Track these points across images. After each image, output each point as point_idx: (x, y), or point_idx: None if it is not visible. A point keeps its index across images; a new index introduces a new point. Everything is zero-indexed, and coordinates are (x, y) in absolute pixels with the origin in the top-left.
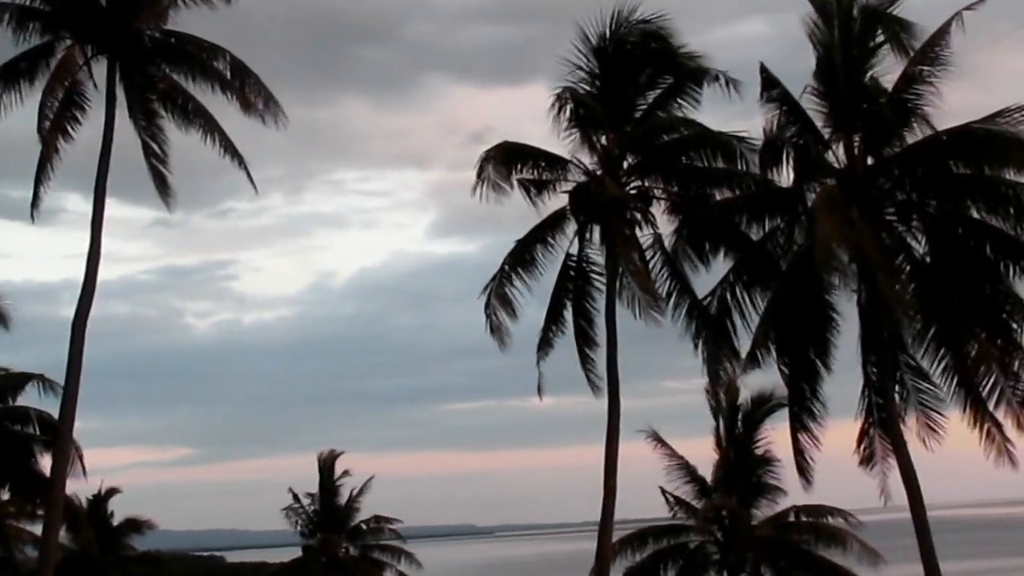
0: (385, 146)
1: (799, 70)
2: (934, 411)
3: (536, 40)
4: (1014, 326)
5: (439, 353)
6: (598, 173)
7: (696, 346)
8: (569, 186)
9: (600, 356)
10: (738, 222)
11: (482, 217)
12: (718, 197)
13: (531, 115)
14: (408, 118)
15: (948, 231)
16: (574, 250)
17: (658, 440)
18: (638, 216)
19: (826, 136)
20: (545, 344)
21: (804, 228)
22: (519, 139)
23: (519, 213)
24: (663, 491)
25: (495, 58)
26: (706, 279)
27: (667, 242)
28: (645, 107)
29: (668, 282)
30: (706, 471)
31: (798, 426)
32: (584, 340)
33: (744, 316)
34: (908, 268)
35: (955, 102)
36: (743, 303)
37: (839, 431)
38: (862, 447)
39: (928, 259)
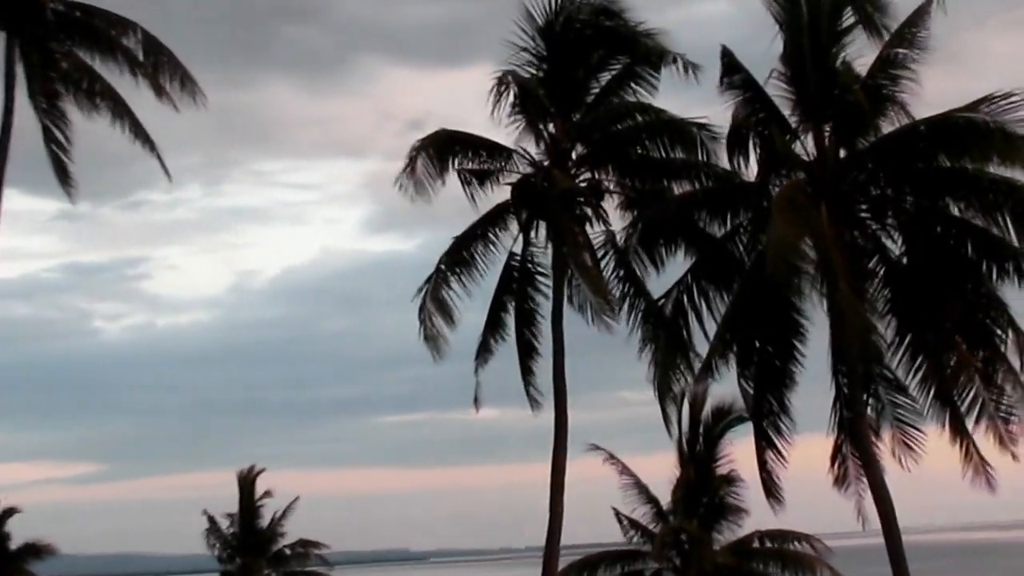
0: (315, 133)
1: (764, 54)
2: (911, 426)
3: (480, 18)
4: (998, 334)
5: (372, 361)
6: (545, 164)
7: (648, 353)
8: (513, 178)
9: (543, 366)
10: (698, 218)
11: (421, 212)
12: (676, 191)
13: (475, 100)
14: (340, 103)
15: (926, 229)
16: (518, 249)
17: (610, 457)
18: (588, 211)
19: (794, 125)
20: (484, 351)
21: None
22: (462, 126)
23: (462, 207)
24: (617, 513)
25: (436, 38)
26: (662, 280)
27: (620, 240)
28: (597, 92)
29: (621, 284)
30: (665, 491)
31: (764, 442)
32: (525, 348)
33: (702, 321)
34: (882, 270)
35: (937, 89)
36: (701, 307)
37: (812, 447)
38: (835, 465)
39: (904, 260)
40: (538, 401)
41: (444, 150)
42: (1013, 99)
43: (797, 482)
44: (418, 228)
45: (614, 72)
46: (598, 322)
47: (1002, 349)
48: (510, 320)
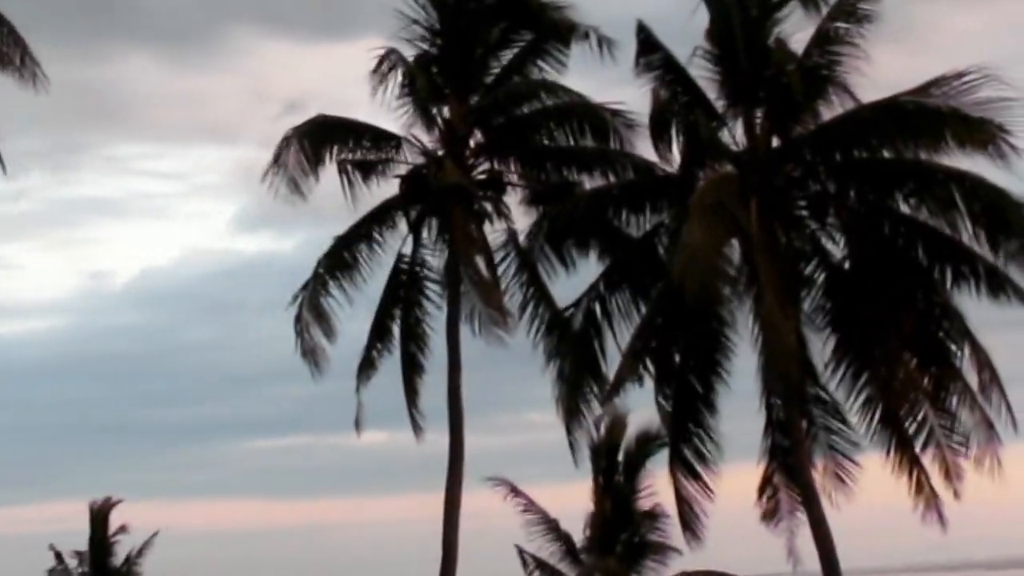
0: (179, 115)
1: (687, 29)
2: (846, 456)
3: None
4: (952, 349)
5: (243, 376)
6: (438, 154)
7: (554, 370)
8: (402, 170)
9: (435, 384)
10: (612, 216)
11: (300, 208)
12: (588, 184)
13: (362, 80)
14: (208, 80)
15: (871, 230)
16: (407, 250)
17: (512, 489)
18: (487, 207)
19: (721, 111)
20: (368, 367)
21: None
22: (348, 109)
23: (346, 202)
24: (520, 552)
25: (318, 7)
26: (571, 286)
27: (523, 240)
28: (498, 71)
29: (524, 290)
30: (578, 526)
31: (683, 471)
32: (410, 364)
33: (616, 333)
34: (821, 277)
35: (889, 69)
36: (616, 317)
37: (742, 478)
38: (763, 498)
39: (846, 265)
40: (421, 426)
41: (321, 139)
42: (967, 79)
43: (727, 516)
44: (296, 226)
45: (518, 48)
46: (486, 335)
47: (958, 367)
48: (398, 331)
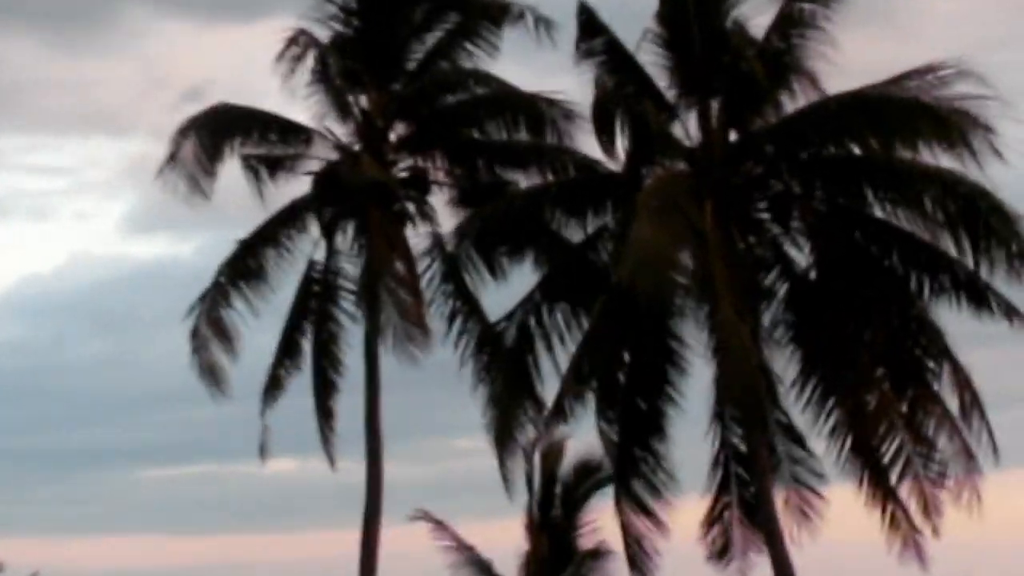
0: (64, 102)
1: (635, 11)
2: (810, 489)
3: None
4: (930, 368)
5: (134, 398)
6: (355, 148)
7: (484, 392)
8: (314, 166)
9: (347, 407)
10: (550, 218)
11: (201, 207)
12: (522, 183)
13: (270, 65)
14: (98, 65)
15: (840, 235)
16: (320, 257)
17: (438, 524)
18: (410, 208)
19: (672, 101)
20: (274, 387)
21: None
22: (253, 99)
23: (253, 201)
24: None
25: None
26: (503, 297)
27: (450, 245)
28: (422, 56)
29: (451, 301)
30: (511, 566)
31: (631, 504)
32: (323, 385)
33: (554, 350)
34: (784, 288)
35: (864, 57)
36: (553, 331)
37: (699, 511)
38: (710, 536)
39: (812, 274)
40: (335, 454)
41: (223, 131)
42: (942, 72)
43: (681, 555)
44: (196, 229)
45: (444, 31)
46: (400, 352)
47: (935, 387)
48: (309, 347)
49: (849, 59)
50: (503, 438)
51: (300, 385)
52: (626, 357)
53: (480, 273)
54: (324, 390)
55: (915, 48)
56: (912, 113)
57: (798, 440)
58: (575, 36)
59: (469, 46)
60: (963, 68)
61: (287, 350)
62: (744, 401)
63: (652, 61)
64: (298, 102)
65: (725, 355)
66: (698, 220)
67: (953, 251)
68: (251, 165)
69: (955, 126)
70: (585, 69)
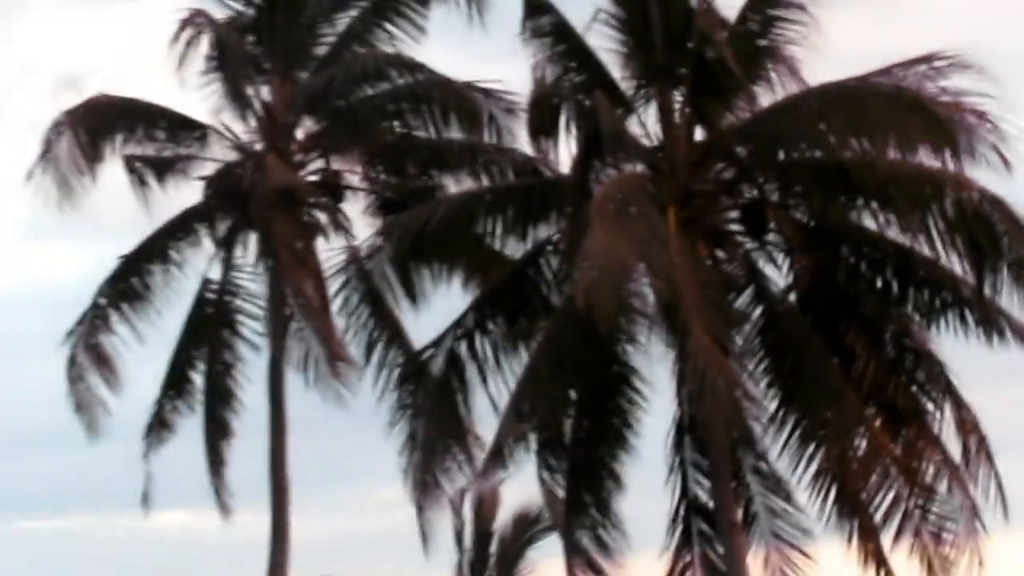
0: None
1: None
2: (793, 546)
3: None
4: (929, 407)
5: (1, 437)
6: (257, 148)
7: (404, 431)
8: (209, 169)
9: (247, 450)
10: (485, 230)
11: (77, 215)
12: (453, 188)
13: (159, 51)
14: None
15: (824, 249)
16: (215, 275)
17: None
18: (321, 218)
19: (628, 93)
20: (160, 427)
21: None
22: (139, 88)
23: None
24: None
25: None
26: (429, 320)
27: (367, 261)
28: (334, 40)
29: (368, 327)
30: None
31: (579, 562)
32: (216, 424)
33: (488, 383)
34: (758, 310)
35: (857, 40)
36: (488, 361)
37: (655, 569)
38: None
39: (791, 295)
40: (227, 505)
41: (103, 126)
42: (942, 61)
43: None
44: (71, 241)
45: (360, 10)
46: (323, 387)
47: (935, 429)
48: (201, 380)
49: (836, 44)
50: (424, 486)
51: (193, 424)
52: (573, 394)
53: (403, 293)
54: (216, 430)
55: (917, 30)
56: (904, 109)
57: (778, 489)
58: (521, 16)
59: (390, 27)
60: (965, 57)
61: (175, 384)
62: (721, 444)
63: (605, 46)
64: (191, 94)
65: (701, 389)
66: (660, 230)
67: (957, 268)
68: (135, 167)
69: (951, 126)
70: (532, 51)
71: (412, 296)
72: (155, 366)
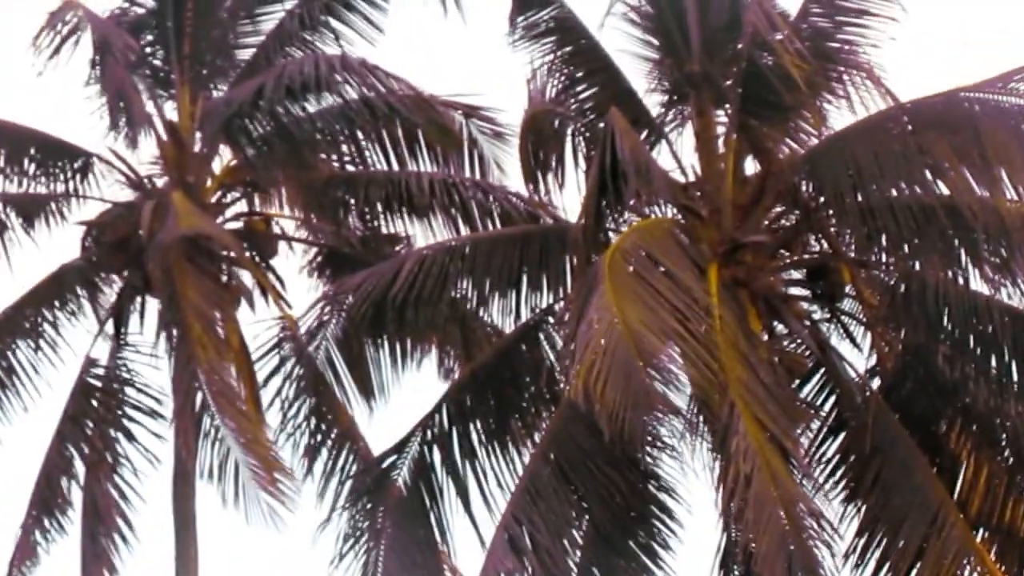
0: None
1: None
2: None
3: None
4: None
5: None
6: (158, 183)
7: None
8: (94, 212)
9: None
10: (464, 294)
11: None
12: (421, 239)
13: (25, 53)
14: None
15: (919, 319)
16: (101, 355)
17: None
18: (246, 280)
19: (657, 112)
20: (25, 557)
21: None
22: (7, 105)
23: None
24: None
25: None
26: (391, 416)
27: (309, 333)
28: (260, 40)
29: (310, 426)
30: None
31: None
32: (95, 557)
33: (467, 493)
34: (831, 403)
35: (973, 40)
36: (468, 472)
37: None
38: None
39: (874, 384)
40: None
41: None
42: None
43: None
44: None
45: (296, 2)
46: (246, 507)
47: None
48: (81, 495)
49: (928, 48)
50: None
51: (66, 554)
52: (576, 516)
53: (352, 380)
54: (96, 563)
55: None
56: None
57: None
58: (511, 8)
59: (336, 24)
60: None
61: (44, 500)
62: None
63: (626, 50)
64: (70, 112)
65: (753, 508)
66: (698, 296)
67: None
68: None
69: None
70: (528, 54)
71: (367, 385)
72: (20, 477)
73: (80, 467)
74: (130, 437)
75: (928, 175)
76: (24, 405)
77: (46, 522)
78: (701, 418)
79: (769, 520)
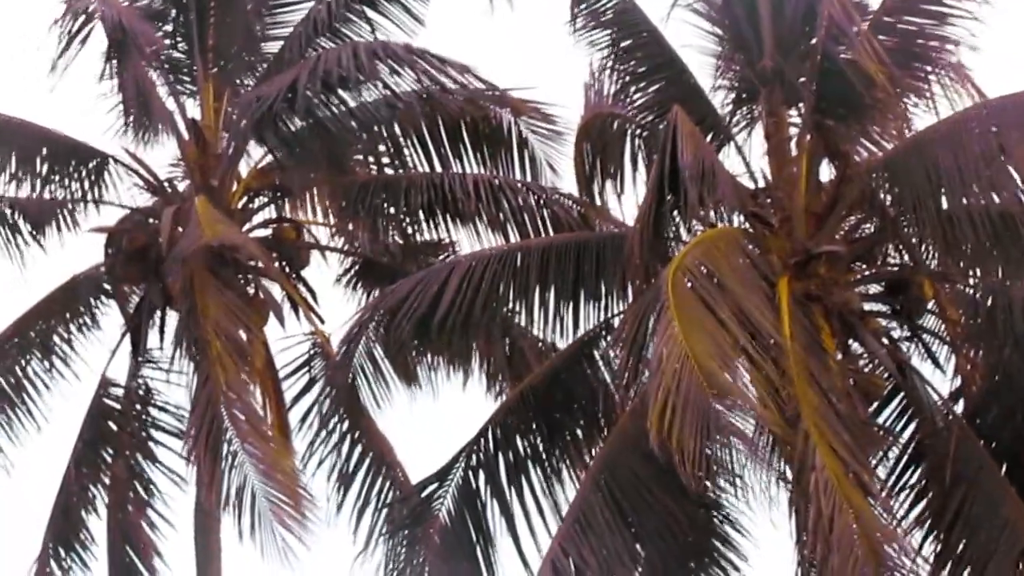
0: None
1: None
2: None
3: None
4: None
5: None
6: (180, 187)
7: None
8: (110, 218)
9: None
10: (513, 308)
11: None
12: (466, 246)
13: (37, 48)
14: None
15: (1007, 340)
16: (118, 375)
17: None
18: (273, 292)
19: (725, 114)
20: None
21: None
22: (3, 103)
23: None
24: None
25: None
26: (433, 441)
27: (346, 348)
28: (289, 32)
29: (343, 452)
30: None
31: None
32: None
33: (516, 529)
34: (912, 428)
35: None
36: (516, 500)
37: None
38: None
39: (958, 408)
40: None
41: None
42: None
43: None
44: None
45: None
46: (273, 539)
47: None
48: (102, 524)
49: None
50: None
51: None
52: (640, 550)
53: (391, 400)
54: None
55: None
56: None
57: None
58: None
59: (371, 14)
60: None
61: (60, 529)
62: None
63: (693, 46)
64: (83, 109)
65: (829, 543)
66: (767, 313)
67: None
68: (3, 215)
69: None
70: (586, 49)
71: (406, 407)
72: (34, 506)
73: (99, 494)
74: (151, 459)
75: (1019, 181)
76: (36, 423)
77: (62, 549)
78: (770, 446)
79: (847, 555)
